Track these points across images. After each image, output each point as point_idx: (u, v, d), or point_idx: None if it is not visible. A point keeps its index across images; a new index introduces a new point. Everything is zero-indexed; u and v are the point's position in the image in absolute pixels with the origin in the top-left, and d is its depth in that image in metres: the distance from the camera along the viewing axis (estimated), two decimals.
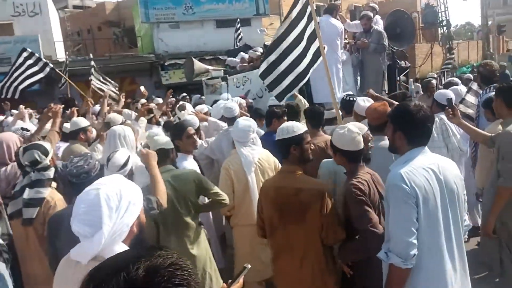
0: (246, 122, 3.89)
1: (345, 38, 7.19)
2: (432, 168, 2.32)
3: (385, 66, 6.74)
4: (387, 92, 6.48)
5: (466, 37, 45.05)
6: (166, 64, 21.76)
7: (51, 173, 3.13)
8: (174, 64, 21.83)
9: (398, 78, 7.40)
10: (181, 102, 7.28)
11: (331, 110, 4.83)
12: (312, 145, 3.08)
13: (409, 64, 8.81)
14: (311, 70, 4.32)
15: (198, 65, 7.94)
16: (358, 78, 6.78)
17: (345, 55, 6.60)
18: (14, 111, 7.68)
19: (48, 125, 4.76)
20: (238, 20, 13.44)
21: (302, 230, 2.85)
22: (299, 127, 3.01)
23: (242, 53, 9.13)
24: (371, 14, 6.94)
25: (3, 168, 3.89)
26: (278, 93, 4.35)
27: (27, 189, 3.03)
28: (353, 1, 24.55)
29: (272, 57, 4.22)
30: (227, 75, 7.44)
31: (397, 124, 2.46)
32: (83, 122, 4.89)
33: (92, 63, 9.49)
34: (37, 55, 8.09)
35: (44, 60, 8.18)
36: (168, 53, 21.94)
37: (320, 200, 2.79)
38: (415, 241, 2.22)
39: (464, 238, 2.48)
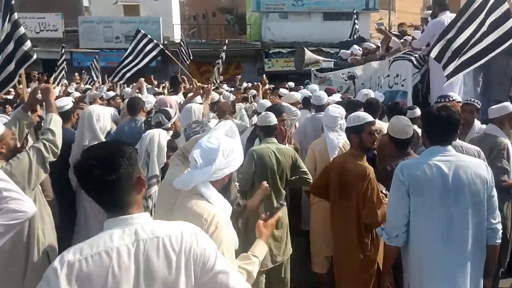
0: (336, 108, 4.16)
1: None
2: (438, 164, 2.43)
3: None
4: None
5: None
6: (270, 52, 22.70)
7: (169, 134, 3.63)
8: (277, 53, 22.71)
9: None
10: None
11: (413, 110, 4.78)
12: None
13: None
14: (493, 53, 4.21)
15: (309, 55, 8.16)
16: (480, 80, 6.19)
17: None
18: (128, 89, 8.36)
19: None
20: (355, 12, 13.77)
21: (348, 206, 3.23)
22: (362, 117, 3.22)
23: (355, 46, 9.00)
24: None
25: None
26: (450, 72, 4.39)
27: None
28: None
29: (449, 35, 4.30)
30: (354, 74, 7.30)
31: (422, 123, 2.77)
32: None
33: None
34: (149, 36, 8.87)
35: (155, 41, 8.97)
36: (274, 41, 22.83)
37: (362, 181, 3.11)
38: (401, 224, 2.49)
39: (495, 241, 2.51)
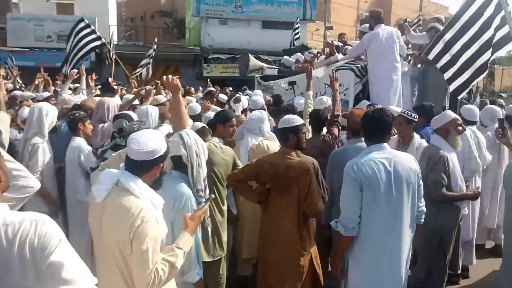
0: (258, 113, 4.43)
1: (409, 49, 6.98)
2: (382, 162, 2.79)
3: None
4: (447, 108, 6.07)
5: None
6: (209, 57, 22.66)
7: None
8: (216, 59, 22.73)
9: (458, 97, 6.91)
10: (237, 95, 7.37)
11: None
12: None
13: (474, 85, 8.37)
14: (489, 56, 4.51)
15: (253, 61, 8.02)
16: (416, 90, 6.51)
17: (406, 67, 6.40)
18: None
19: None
20: (298, 19, 13.93)
21: (287, 200, 3.37)
22: (297, 119, 3.49)
23: (298, 54, 9.12)
24: (440, 27, 6.45)
25: (101, 125, 4.53)
26: (456, 88, 4.65)
27: (109, 150, 3.48)
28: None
29: (453, 50, 4.50)
30: (295, 81, 7.38)
31: (361, 125, 3.07)
32: None
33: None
34: (92, 27, 8.65)
35: (98, 34, 8.74)
36: (213, 47, 22.81)
37: (305, 176, 3.32)
38: (356, 217, 2.78)
39: (420, 220, 3.03)
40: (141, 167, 2.13)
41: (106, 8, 23.26)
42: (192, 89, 11.35)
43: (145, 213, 2.00)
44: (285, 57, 9.77)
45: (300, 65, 8.06)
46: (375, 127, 2.93)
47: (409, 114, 4.19)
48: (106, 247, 2.12)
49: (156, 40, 13.36)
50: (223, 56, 22.68)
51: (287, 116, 3.56)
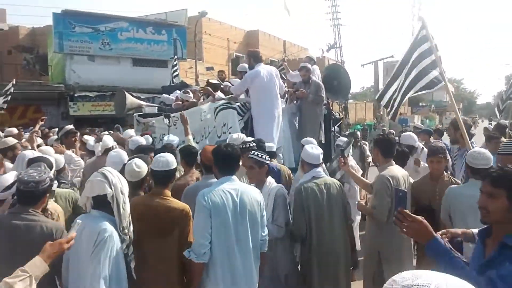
0: (114, 153, 4.51)
1: (285, 87, 7.40)
2: (230, 192, 3.12)
3: (322, 116, 6.90)
4: (323, 141, 6.67)
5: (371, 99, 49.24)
6: (76, 95, 21.34)
7: (53, 186, 3.12)
8: (84, 96, 21.48)
9: (333, 129, 7.48)
10: (105, 133, 6.99)
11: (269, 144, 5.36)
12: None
13: (343, 116, 9.19)
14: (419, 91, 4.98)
15: (130, 99, 7.73)
16: (296, 123, 6.96)
17: (283, 104, 6.88)
18: None
19: None
20: (176, 57, 13.97)
21: (164, 243, 3.23)
22: (173, 162, 3.50)
23: (177, 92, 9.12)
24: (310, 66, 7.06)
25: None
26: (392, 113, 5.15)
27: None
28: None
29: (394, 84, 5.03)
30: (169, 113, 7.35)
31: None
32: None
33: None
34: None
35: None
36: (79, 84, 21.57)
37: (186, 217, 3.26)
38: (206, 243, 3.00)
39: (264, 249, 3.36)
40: None
41: None
42: (52, 131, 10.28)
43: None
44: (164, 95, 9.70)
45: (180, 103, 8.05)
46: (226, 160, 3.27)
47: (260, 156, 3.94)
48: None
49: (14, 80, 12.07)
50: (92, 93, 21.55)
51: (165, 158, 3.45)
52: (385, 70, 44.90)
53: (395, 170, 4.26)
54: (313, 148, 4.15)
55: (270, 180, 4.05)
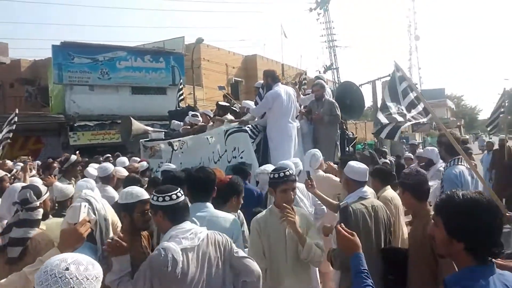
0: (84, 183, 4.37)
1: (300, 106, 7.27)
2: (195, 220, 2.78)
3: (338, 136, 6.78)
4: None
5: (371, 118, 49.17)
6: (75, 125, 21.31)
7: (39, 214, 3.12)
8: (84, 126, 21.50)
9: (347, 149, 7.38)
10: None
11: None
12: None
13: (356, 135, 8.91)
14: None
15: (136, 125, 7.72)
16: (310, 145, 6.75)
17: (298, 123, 6.73)
18: None
19: None
20: (181, 80, 13.93)
21: None
22: (135, 194, 2.90)
23: (188, 117, 8.86)
24: (324, 83, 6.99)
25: None
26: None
27: (14, 227, 3.06)
28: None
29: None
30: (171, 141, 7.32)
31: (187, 185, 3.23)
32: None
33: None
34: None
35: None
36: (79, 114, 21.54)
37: None
38: None
39: None
40: None
41: None
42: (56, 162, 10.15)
43: None
44: (175, 121, 9.54)
45: (188, 127, 7.94)
46: (200, 186, 3.15)
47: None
48: None
49: (17, 110, 11.94)
50: (91, 123, 21.53)
51: (126, 190, 3.06)
52: (384, 89, 45.13)
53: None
54: (358, 164, 3.75)
55: None
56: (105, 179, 5.67)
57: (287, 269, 3.31)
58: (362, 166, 3.69)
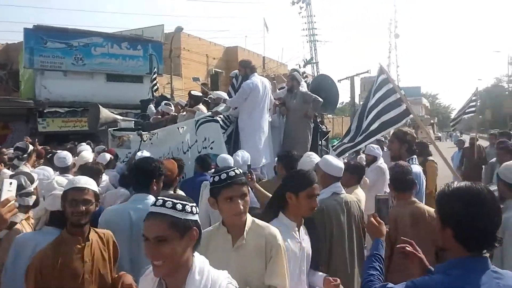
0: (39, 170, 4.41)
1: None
2: (130, 212, 2.99)
3: (311, 130, 6.51)
4: None
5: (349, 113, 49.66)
6: (45, 111, 20.48)
7: (31, 200, 3.19)
8: (54, 112, 20.68)
9: (320, 142, 7.16)
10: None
11: None
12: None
13: (330, 130, 8.87)
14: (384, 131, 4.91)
15: (105, 113, 7.31)
16: (281, 138, 6.62)
17: (270, 117, 6.55)
18: None
19: None
20: (155, 70, 13.62)
21: None
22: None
23: (161, 106, 8.58)
24: (297, 76, 6.73)
25: None
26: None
27: None
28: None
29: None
30: (141, 131, 7.12)
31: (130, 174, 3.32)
32: None
33: None
34: None
35: None
36: (50, 100, 20.72)
37: None
38: None
39: None
40: None
41: None
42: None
43: None
44: (151, 106, 9.18)
45: (159, 117, 7.59)
46: (140, 176, 3.13)
47: None
48: None
49: None
50: (62, 109, 20.74)
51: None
52: (362, 86, 45.26)
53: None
54: (335, 159, 3.74)
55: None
56: (63, 170, 5.39)
57: None
58: (340, 162, 3.69)
